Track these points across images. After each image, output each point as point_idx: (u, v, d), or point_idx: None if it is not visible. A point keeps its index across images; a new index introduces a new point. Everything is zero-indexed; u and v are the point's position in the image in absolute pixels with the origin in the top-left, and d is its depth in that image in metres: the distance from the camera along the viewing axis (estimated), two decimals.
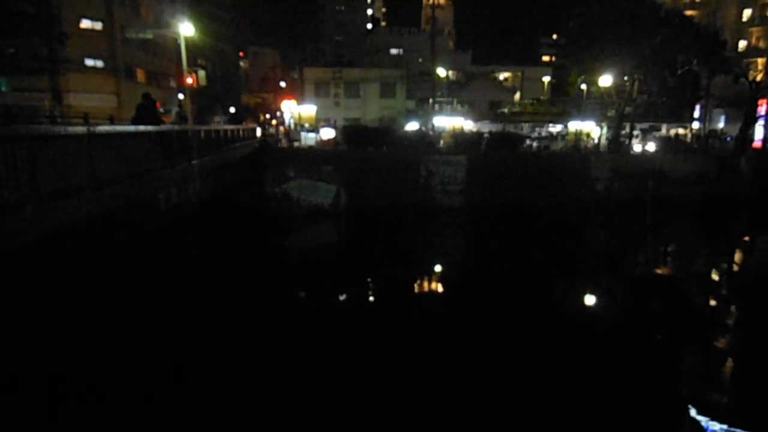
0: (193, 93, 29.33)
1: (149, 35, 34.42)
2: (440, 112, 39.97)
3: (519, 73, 54.62)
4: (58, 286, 6.99)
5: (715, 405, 9.12)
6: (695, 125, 45.10)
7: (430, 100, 39.31)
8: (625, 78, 35.04)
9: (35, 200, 5.79)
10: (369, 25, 77.16)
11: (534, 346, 11.27)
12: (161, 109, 22.06)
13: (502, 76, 56.05)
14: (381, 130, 31.87)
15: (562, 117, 41.64)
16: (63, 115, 14.41)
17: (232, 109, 55.31)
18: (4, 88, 29.87)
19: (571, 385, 9.67)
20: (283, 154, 25.81)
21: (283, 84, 70.77)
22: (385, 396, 9.20)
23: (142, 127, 10.33)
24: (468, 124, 40.93)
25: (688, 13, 47.36)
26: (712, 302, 15.99)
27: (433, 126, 35.05)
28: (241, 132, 23.29)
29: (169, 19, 34.27)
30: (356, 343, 11.39)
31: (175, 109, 33.44)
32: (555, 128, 42.33)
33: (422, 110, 43.27)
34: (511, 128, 38.94)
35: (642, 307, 14.65)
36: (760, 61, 46.91)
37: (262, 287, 15.34)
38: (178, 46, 22.31)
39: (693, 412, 8.55)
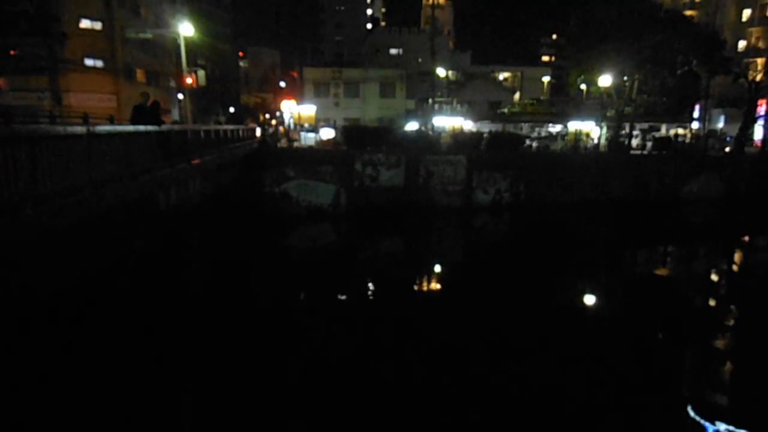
0: (193, 93, 29.36)
1: (149, 35, 34.44)
2: (440, 112, 39.97)
3: (519, 73, 54.67)
4: (57, 286, 6.99)
5: (716, 405, 9.13)
6: (695, 125, 45.13)
7: (430, 100, 39.31)
8: (625, 78, 35.02)
9: (34, 200, 5.79)
10: (369, 25, 77.13)
11: (531, 344, 11.29)
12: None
13: (501, 76, 56.10)
14: (381, 130, 31.87)
15: (562, 117, 41.65)
16: (63, 115, 14.42)
17: (232, 109, 55.29)
18: None
19: (570, 385, 9.67)
20: (283, 154, 25.81)
21: (283, 84, 70.70)
22: (384, 396, 9.21)
23: (141, 127, 10.30)
24: (468, 124, 40.96)
25: (688, 13, 47.47)
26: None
27: (432, 126, 35.04)
28: (240, 132, 23.28)
29: (168, 19, 34.29)
30: (354, 343, 11.39)
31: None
32: (555, 128, 42.35)
33: (422, 110, 43.25)
34: (510, 128, 38.96)
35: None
36: (760, 61, 46.87)
37: (261, 287, 15.34)
38: (178, 46, 22.38)
39: (693, 413, 8.55)
